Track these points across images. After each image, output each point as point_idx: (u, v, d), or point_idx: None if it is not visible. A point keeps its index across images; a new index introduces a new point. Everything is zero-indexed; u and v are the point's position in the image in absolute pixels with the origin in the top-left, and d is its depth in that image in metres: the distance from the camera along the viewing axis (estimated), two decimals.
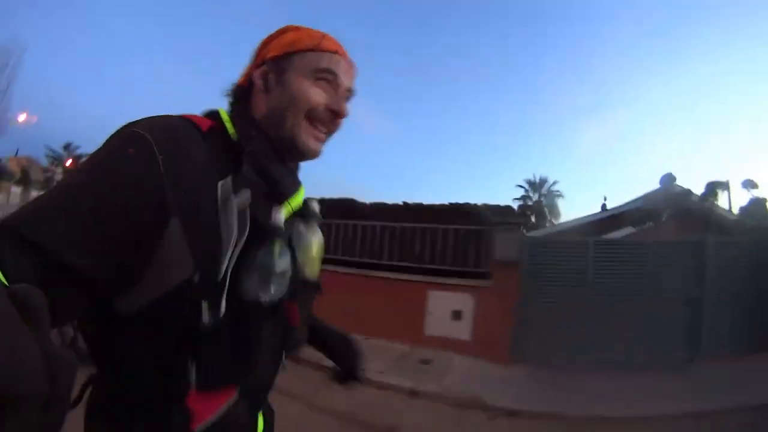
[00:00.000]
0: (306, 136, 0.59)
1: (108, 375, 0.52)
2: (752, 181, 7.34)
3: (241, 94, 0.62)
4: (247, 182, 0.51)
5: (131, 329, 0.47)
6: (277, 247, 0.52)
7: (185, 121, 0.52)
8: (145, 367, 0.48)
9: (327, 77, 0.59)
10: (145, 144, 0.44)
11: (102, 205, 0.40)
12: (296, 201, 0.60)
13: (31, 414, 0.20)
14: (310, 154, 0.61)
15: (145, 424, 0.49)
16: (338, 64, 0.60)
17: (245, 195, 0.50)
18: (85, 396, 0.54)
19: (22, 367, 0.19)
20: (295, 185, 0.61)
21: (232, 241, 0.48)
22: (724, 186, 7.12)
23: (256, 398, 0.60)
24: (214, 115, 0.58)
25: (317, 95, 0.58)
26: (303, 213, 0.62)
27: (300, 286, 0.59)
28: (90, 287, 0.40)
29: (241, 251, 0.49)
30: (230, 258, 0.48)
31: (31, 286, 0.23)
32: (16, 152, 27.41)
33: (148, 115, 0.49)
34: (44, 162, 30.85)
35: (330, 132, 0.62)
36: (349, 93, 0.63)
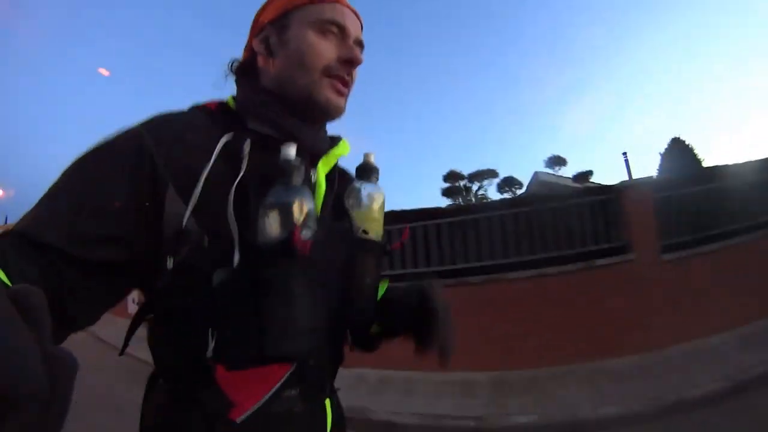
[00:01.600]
0: (327, 91, 0.54)
1: (156, 362, 0.51)
2: (559, 157, 7.76)
3: (244, 68, 0.59)
4: (246, 137, 0.50)
5: (157, 305, 0.47)
6: (293, 181, 0.47)
7: (188, 109, 0.54)
8: (174, 346, 0.47)
9: (332, 29, 0.55)
10: (133, 132, 0.46)
11: (99, 192, 0.42)
12: (335, 154, 0.58)
13: (32, 414, 0.19)
14: (334, 110, 0.56)
15: (180, 415, 0.46)
16: (342, 14, 0.56)
17: (245, 145, 0.49)
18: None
19: (22, 367, 0.19)
20: (323, 140, 0.59)
21: (234, 186, 0.46)
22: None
23: (313, 381, 0.52)
24: (224, 101, 0.58)
25: (328, 48, 0.54)
26: (358, 169, 0.58)
27: (358, 245, 0.55)
28: (107, 275, 0.41)
29: (258, 196, 0.46)
30: (229, 202, 0.45)
31: (32, 286, 0.23)
32: (5, 220, 29.17)
33: None
34: None
35: (348, 84, 0.57)
36: (359, 44, 0.58)
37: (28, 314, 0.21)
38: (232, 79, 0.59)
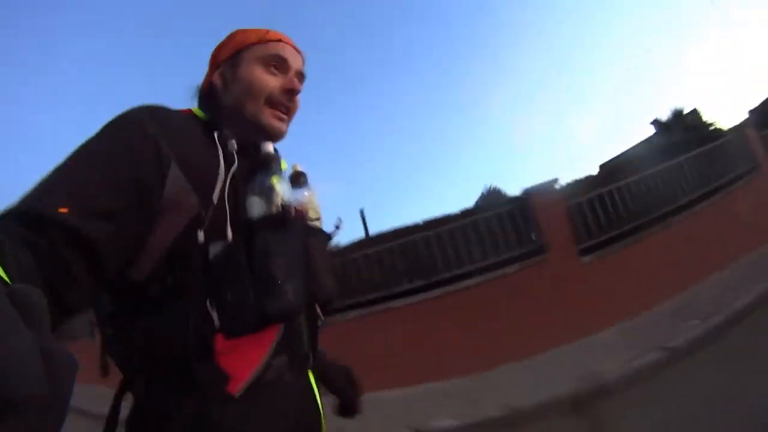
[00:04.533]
0: (267, 117, 0.64)
1: (136, 352, 0.50)
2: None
3: (206, 96, 0.68)
4: (231, 135, 0.58)
5: (150, 286, 0.48)
6: (273, 168, 0.60)
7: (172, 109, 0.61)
8: (169, 325, 0.48)
9: (275, 63, 0.65)
10: (133, 116, 0.51)
11: (105, 165, 0.45)
12: (282, 166, 0.69)
13: (31, 415, 0.20)
14: (275, 134, 0.66)
15: (180, 396, 0.48)
16: (284, 50, 0.67)
17: (231, 141, 0.57)
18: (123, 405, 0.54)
19: (21, 367, 0.19)
20: (276, 154, 0.68)
21: (226, 172, 0.54)
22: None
23: (297, 352, 0.59)
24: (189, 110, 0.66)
25: (271, 80, 0.65)
26: (292, 178, 0.70)
27: (311, 231, 0.65)
28: (103, 252, 0.41)
29: (245, 185, 0.56)
30: (225, 185, 0.53)
31: (31, 286, 0.23)
32: None
33: None
34: None
35: (291, 111, 0.67)
36: (300, 76, 0.69)
37: (27, 314, 0.21)
38: (195, 99, 0.69)
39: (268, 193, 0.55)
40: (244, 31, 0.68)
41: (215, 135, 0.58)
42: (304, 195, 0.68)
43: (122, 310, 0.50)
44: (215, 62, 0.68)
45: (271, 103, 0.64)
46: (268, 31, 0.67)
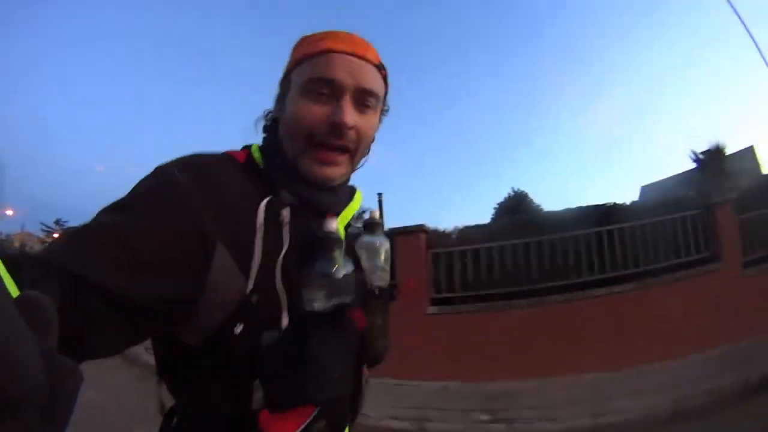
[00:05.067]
0: (310, 163, 0.53)
1: (184, 405, 0.52)
2: None
3: (272, 121, 0.59)
4: (284, 203, 0.51)
5: (200, 358, 0.47)
6: (335, 254, 0.50)
7: (221, 155, 0.54)
8: (216, 393, 0.48)
9: (321, 89, 0.51)
10: (174, 179, 0.45)
11: (138, 235, 0.40)
12: (350, 211, 0.61)
13: (31, 417, 0.19)
14: (321, 182, 0.54)
15: None
16: (333, 66, 0.51)
17: (284, 213, 0.50)
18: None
19: (21, 367, 0.19)
20: (341, 197, 0.60)
21: (279, 256, 0.48)
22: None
23: (337, 415, 0.57)
24: (247, 148, 0.57)
25: (313, 113, 0.51)
26: (366, 224, 0.63)
27: (370, 294, 0.60)
28: (136, 316, 0.39)
29: (302, 265, 0.49)
30: (277, 272, 0.48)
31: (42, 294, 0.23)
32: (21, 227, 34.18)
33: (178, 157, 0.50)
34: (40, 234, 33.30)
35: (346, 148, 0.54)
36: (362, 94, 0.53)
37: (34, 319, 0.21)
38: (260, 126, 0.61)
39: (327, 285, 0.49)
40: (301, 40, 0.55)
41: (265, 204, 0.50)
42: (371, 250, 0.62)
43: (175, 367, 0.51)
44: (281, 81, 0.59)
45: (314, 143, 0.52)
46: (318, 39, 0.53)
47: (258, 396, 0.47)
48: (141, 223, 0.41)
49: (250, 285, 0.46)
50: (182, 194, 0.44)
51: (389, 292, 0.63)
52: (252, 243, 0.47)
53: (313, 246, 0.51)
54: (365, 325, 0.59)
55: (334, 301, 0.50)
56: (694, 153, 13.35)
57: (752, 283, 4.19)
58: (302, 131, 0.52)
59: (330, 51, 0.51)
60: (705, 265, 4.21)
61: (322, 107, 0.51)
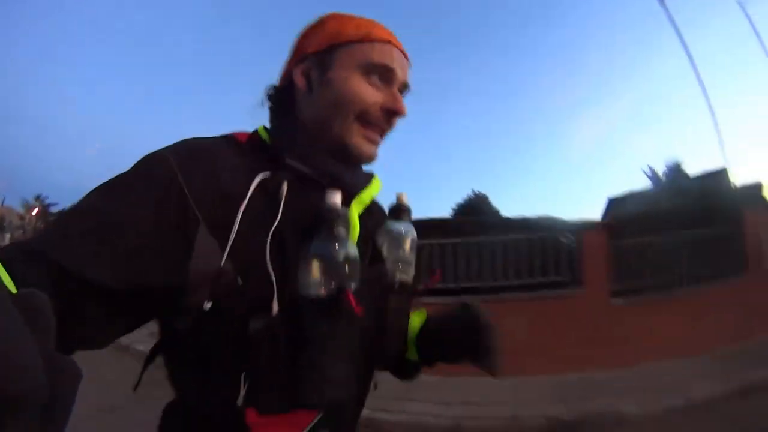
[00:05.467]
0: (358, 139, 0.53)
1: (179, 396, 0.50)
2: None
3: (281, 98, 0.57)
4: (283, 177, 0.48)
5: (186, 347, 0.45)
6: (337, 231, 0.46)
7: (219, 137, 0.51)
8: (204, 385, 0.45)
9: (380, 72, 0.52)
10: (164, 163, 0.44)
11: (124, 221, 0.40)
12: (368, 194, 0.56)
13: (32, 417, 0.19)
14: (364, 158, 0.55)
15: None
16: (392, 56, 0.53)
17: (282, 188, 0.47)
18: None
19: (20, 367, 0.19)
20: (359, 179, 0.56)
21: (268, 232, 0.45)
22: None
23: (341, 423, 0.51)
24: (254, 132, 0.55)
25: (370, 94, 0.52)
26: (392, 209, 0.59)
27: (390, 289, 0.55)
28: (126, 304, 0.39)
29: (299, 245, 0.45)
30: (267, 251, 0.44)
31: (38, 291, 0.22)
32: (2, 201, 32.69)
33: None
34: (20, 210, 33.40)
35: (385, 132, 0.56)
36: (405, 88, 0.57)
37: (33, 318, 0.21)
38: (266, 106, 0.57)
39: (332, 264, 0.44)
40: (342, 19, 0.54)
41: (263, 176, 0.47)
42: (396, 238, 0.55)
43: (170, 353, 0.48)
44: (300, 54, 0.54)
45: (365, 120, 0.52)
46: (373, 24, 0.53)
47: (244, 392, 0.42)
48: (125, 207, 0.41)
49: (234, 265, 0.43)
50: (169, 175, 0.43)
51: (412, 288, 0.57)
52: (234, 215, 0.44)
53: (314, 224, 0.46)
54: (381, 323, 0.54)
55: (334, 286, 0.44)
56: (651, 169, 12.85)
57: (616, 313, 4.03)
58: (357, 108, 0.52)
59: (390, 42, 0.53)
60: (565, 288, 4.07)
61: (377, 91, 0.53)
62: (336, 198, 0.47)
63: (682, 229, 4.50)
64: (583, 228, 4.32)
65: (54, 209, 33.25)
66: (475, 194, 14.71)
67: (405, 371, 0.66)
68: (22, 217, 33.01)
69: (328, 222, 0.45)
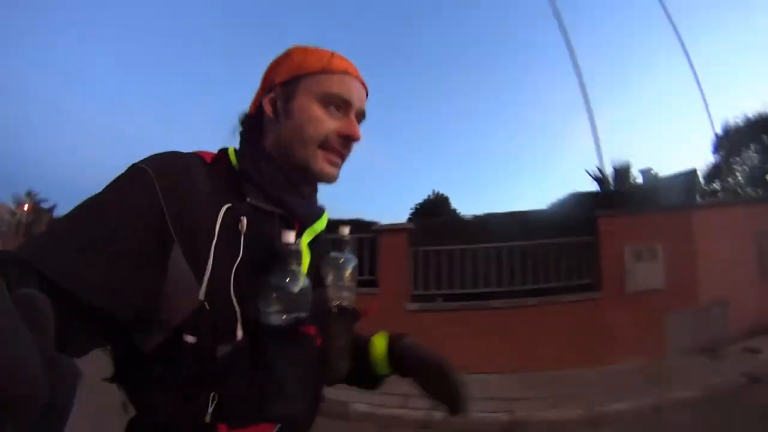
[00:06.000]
0: (321, 163, 0.58)
1: (142, 414, 0.50)
2: None
3: (251, 124, 0.61)
4: (245, 210, 0.52)
5: (155, 366, 0.46)
6: (292, 267, 0.50)
7: (190, 155, 0.54)
8: (171, 405, 0.47)
9: (337, 102, 0.57)
10: (145, 177, 0.47)
11: (107, 236, 0.42)
12: (319, 226, 0.62)
13: (31, 418, 0.19)
14: (326, 179, 0.60)
15: None
16: (349, 87, 0.58)
17: (242, 221, 0.51)
18: None
19: (21, 369, 0.19)
20: (314, 211, 0.62)
21: (233, 265, 0.48)
22: None
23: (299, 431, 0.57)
24: (222, 151, 0.59)
25: (327, 123, 0.57)
26: (334, 240, 0.63)
27: (330, 313, 0.59)
28: (99, 318, 0.41)
29: (258, 276, 0.49)
30: (231, 282, 0.48)
31: (38, 292, 0.23)
32: None
33: (153, 154, 0.51)
34: (12, 205, 33.50)
35: (344, 156, 0.61)
36: (361, 116, 0.62)
37: (33, 319, 0.21)
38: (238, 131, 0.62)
39: (287, 296, 0.49)
40: (305, 51, 0.59)
41: (225, 209, 0.51)
42: (337, 267, 0.61)
43: (131, 373, 0.50)
44: (268, 83, 0.60)
45: (325, 147, 0.58)
46: (332, 56, 0.58)
47: (212, 410, 0.46)
48: (113, 223, 0.44)
49: (203, 293, 0.46)
50: (151, 193, 0.46)
51: (353, 312, 0.63)
52: (208, 249, 0.48)
53: (271, 258, 0.51)
54: (325, 344, 0.59)
55: (291, 316, 0.49)
56: (594, 171, 11.59)
57: (412, 319, 4.19)
58: (318, 137, 0.57)
59: (347, 73, 0.58)
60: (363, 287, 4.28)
61: (334, 120, 0.58)
62: (291, 237, 0.51)
63: (544, 236, 4.46)
64: (385, 230, 4.55)
65: (45, 205, 33.80)
66: (435, 194, 14.64)
67: (372, 383, 0.72)
68: (13, 213, 33.52)
69: (285, 258, 0.50)
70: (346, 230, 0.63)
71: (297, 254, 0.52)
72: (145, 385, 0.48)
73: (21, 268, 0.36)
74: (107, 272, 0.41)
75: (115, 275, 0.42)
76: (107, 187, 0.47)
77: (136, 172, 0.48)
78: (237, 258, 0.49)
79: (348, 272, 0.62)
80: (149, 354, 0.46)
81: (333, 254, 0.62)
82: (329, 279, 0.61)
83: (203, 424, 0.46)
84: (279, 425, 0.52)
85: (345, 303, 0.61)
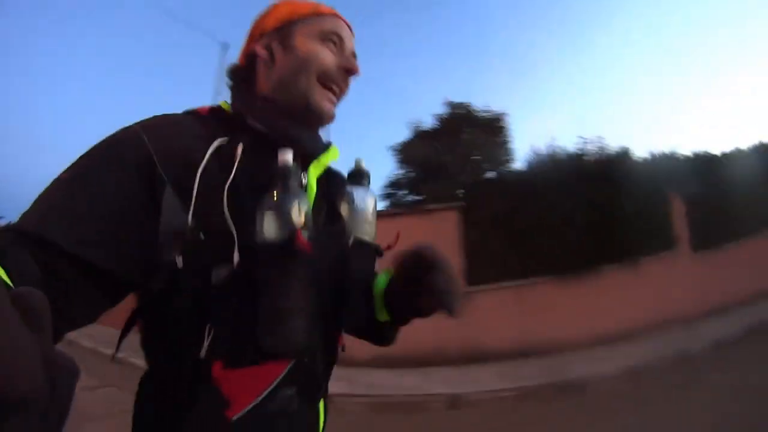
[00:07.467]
0: (320, 98, 0.58)
1: (151, 359, 0.50)
2: None
3: (242, 74, 0.61)
4: (243, 140, 0.52)
5: (159, 304, 0.47)
6: (288, 184, 0.48)
7: (181, 113, 0.56)
8: (171, 345, 0.47)
9: (333, 39, 0.60)
10: (132, 131, 0.48)
11: (99, 191, 0.43)
12: (326, 159, 0.61)
13: (31, 417, 0.20)
14: (326, 117, 0.60)
15: (175, 413, 0.46)
16: (341, 27, 0.61)
17: (238, 149, 0.50)
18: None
19: (20, 368, 0.19)
20: (319, 144, 0.61)
21: (228, 186, 0.48)
22: None
23: (309, 383, 0.53)
24: (216, 105, 0.59)
25: (329, 56, 0.59)
26: (350, 174, 0.64)
27: (353, 247, 0.59)
28: (105, 278, 0.42)
29: (256, 200, 0.47)
30: (226, 203, 0.47)
31: (35, 288, 0.22)
32: None
33: None
34: None
35: (342, 92, 0.62)
36: (353, 55, 0.64)
37: (30, 317, 0.21)
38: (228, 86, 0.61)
39: (284, 213, 0.46)
40: (291, 3, 0.61)
41: (221, 141, 0.51)
42: (356, 202, 0.60)
43: (144, 317, 0.50)
44: (257, 33, 0.61)
45: (325, 81, 0.58)
46: (320, 4, 0.62)
47: (207, 343, 0.44)
48: (96, 176, 0.44)
49: (190, 217, 0.46)
50: (136, 143, 0.47)
51: (374, 248, 0.62)
52: (196, 175, 0.48)
53: (269, 180, 0.49)
54: (343, 281, 0.57)
55: (286, 232, 0.46)
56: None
57: None
58: (320, 67, 0.58)
59: (337, 16, 0.61)
60: None
61: (333, 54, 0.59)
62: (288, 155, 0.50)
63: None
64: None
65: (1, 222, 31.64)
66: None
67: (380, 334, 0.67)
68: None
69: (281, 177, 0.48)
70: (362, 162, 0.64)
71: (294, 174, 0.50)
72: (150, 329, 0.50)
73: (20, 242, 0.37)
74: (112, 232, 0.42)
75: (118, 234, 0.43)
76: (94, 147, 0.47)
77: (123, 130, 0.49)
78: (228, 180, 0.48)
79: (368, 207, 0.61)
80: (156, 296, 0.46)
81: (350, 189, 0.62)
82: (347, 214, 0.60)
83: (197, 361, 0.45)
84: (283, 374, 0.49)
85: (366, 238, 0.60)
